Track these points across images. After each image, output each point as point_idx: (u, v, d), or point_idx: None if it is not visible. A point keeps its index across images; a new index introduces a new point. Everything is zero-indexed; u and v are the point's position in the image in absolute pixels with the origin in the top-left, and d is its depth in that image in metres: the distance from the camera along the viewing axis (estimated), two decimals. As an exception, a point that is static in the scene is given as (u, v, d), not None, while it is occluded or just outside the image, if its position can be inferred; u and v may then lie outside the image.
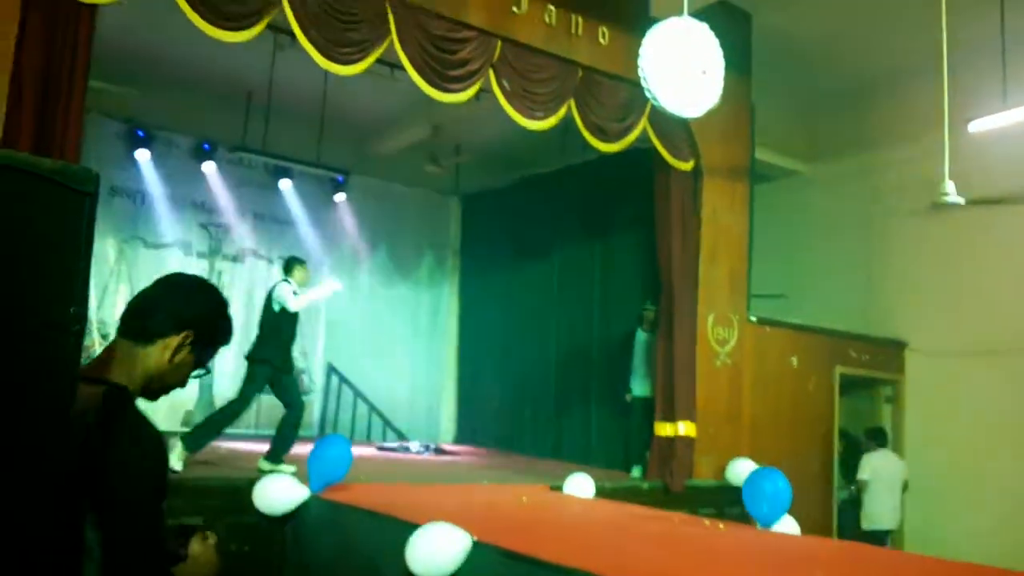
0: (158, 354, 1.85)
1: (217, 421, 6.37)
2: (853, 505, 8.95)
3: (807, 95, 10.27)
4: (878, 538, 8.50)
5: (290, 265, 6.92)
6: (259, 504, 4.93)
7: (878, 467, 8.66)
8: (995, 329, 9.02)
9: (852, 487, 9.02)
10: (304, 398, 11.14)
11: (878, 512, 8.62)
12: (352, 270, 11.60)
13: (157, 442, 1.78)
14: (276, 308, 6.59)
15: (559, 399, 10.31)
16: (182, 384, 1.94)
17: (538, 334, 10.77)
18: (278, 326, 6.55)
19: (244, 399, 6.39)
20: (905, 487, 8.94)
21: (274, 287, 6.76)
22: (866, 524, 8.62)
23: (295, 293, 6.62)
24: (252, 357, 6.47)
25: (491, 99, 6.77)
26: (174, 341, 1.86)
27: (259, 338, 6.58)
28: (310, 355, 11.30)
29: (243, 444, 8.73)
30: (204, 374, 1.98)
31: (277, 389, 6.58)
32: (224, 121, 9.83)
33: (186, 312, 1.89)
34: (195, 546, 1.91)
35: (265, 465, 6.24)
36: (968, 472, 9.05)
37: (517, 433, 10.86)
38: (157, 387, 1.89)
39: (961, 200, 6.93)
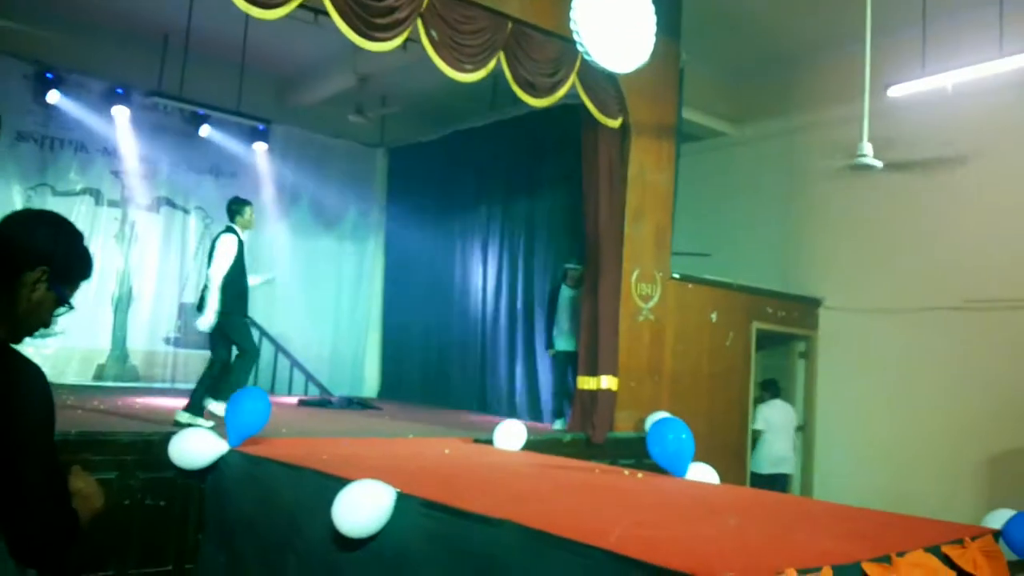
0: (17, 295, 1.80)
1: (236, 381, 6.20)
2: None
3: (734, 59, 10.41)
4: (778, 481, 8.96)
5: (232, 208, 6.61)
6: (175, 458, 4.82)
7: (770, 416, 9.19)
8: (904, 288, 9.41)
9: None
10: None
11: (774, 457, 9.13)
12: (273, 222, 11.34)
13: (41, 379, 1.75)
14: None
15: (484, 354, 10.36)
16: (46, 324, 1.89)
17: (464, 289, 10.77)
18: (231, 276, 6.35)
19: (244, 352, 6.36)
20: (799, 430, 9.67)
21: (215, 240, 6.47)
22: (765, 469, 9.10)
23: (240, 240, 6.43)
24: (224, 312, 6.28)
25: (419, 50, 6.64)
26: (30, 278, 1.80)
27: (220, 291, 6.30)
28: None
29: (158, 399, 8.55)
30: (67, 311, 1.91)
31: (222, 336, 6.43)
32: (139, 65, 9.44)
33: (38, 247, 1.83)
34: (77, 482, 1.88)
35: (183, 417, 6.13)
36: (874, 423, 9.49)
37: (442, 387, 10.89)
38: (22, 329, 1.84)
39: (878, 163, 7.14)
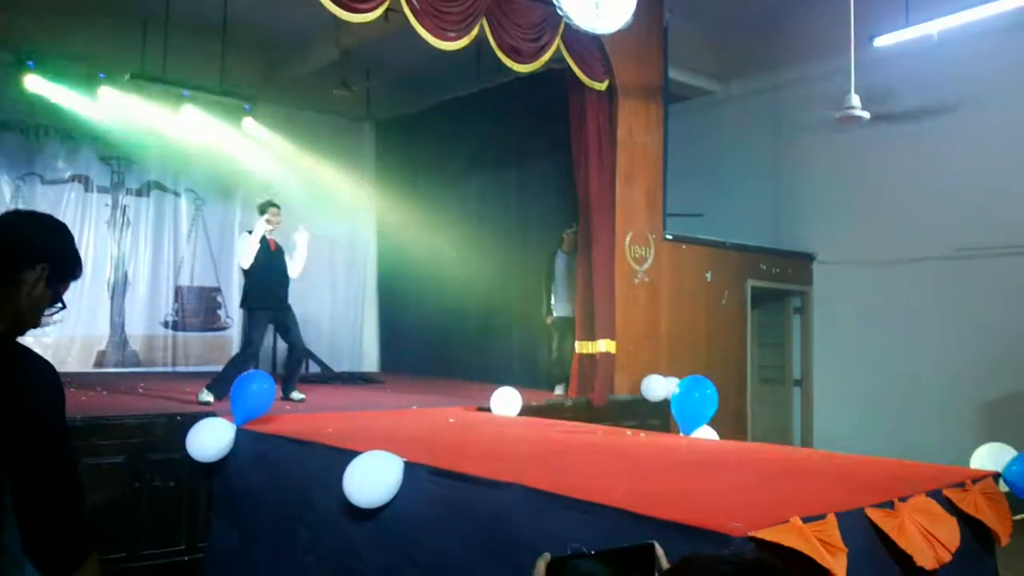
0: (18, 292, 1.81)
1: (232, 373, 6.41)
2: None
3: (718, 16, 10.32)
4: None
5: (260, 210, 7.16)
6: (193, 452, 4.87)
7: None
8: (897, 239, 9.44)
9: None
10: (223, 334, 11.03)
11: None
12: (264, 199, 11.26)
13: (51, 374, 1.75)
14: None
15: (482, 323, 10.38)
16: (38, 323, 1.90)
17: (459, 259, 10.76)
18: (251, 270, 6.90)
19: (245, 343, 6.92)
20: (797, 384, 10.15)
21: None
22: None
23: (263, 237, 6.94)
24: (241, 304, 7.15)
25: (402, 20, 6.58)
26: (31, 276, 1.81)
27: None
28: (226, 291, 11.06)
29: (160, 382, 8.58)
30: (60, 309, 1.93)
31: (280, 330, 7.11)
32: (121, 48, 9.31)
33: (38, 245, 1.85)
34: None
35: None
36: (871, 374, 9.58)
37: (442, 358, 10.92)
38: (22, 324, 1.84)
39: (866, 114, 7.13)
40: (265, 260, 6.95)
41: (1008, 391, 8.48)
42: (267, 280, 6.94)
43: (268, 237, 7.01)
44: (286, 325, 7.09)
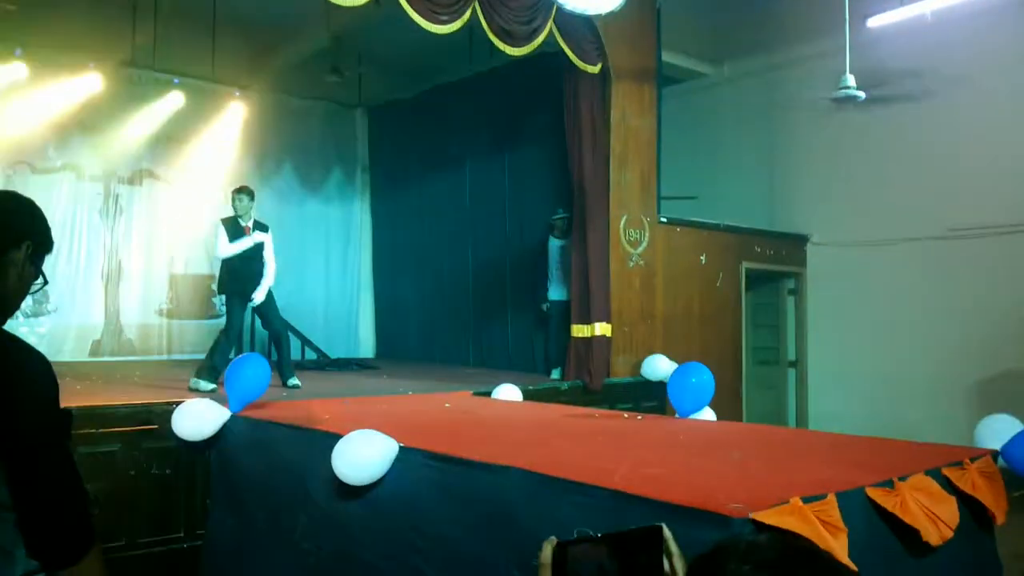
0: (7, 273, 1.76)
1: (219, 360, 6.62)
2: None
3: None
4: None
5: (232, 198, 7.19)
6: (180, 431, 4.85)
7: None
8: (890, 220, 9.45)
9: None
10: (217, 321, 10.98)
11: None
12: (256, 188, 11.19)
13: (43, 364, 1.71)
14: None
15: (477, 308, 10.38)
16: (21, 302, 1.85)
17: (453, 245, 10.74)
18: (228, 260, 6.98)
19: (225, 327, 7.02)
20: (792, 366, 10.19)
21: None
22: None
23: (230, 225, 6.99)
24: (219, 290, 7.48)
25: (393, 3, 6.53)
26: (18, 256, 1.77)
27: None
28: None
29: (156, 370, 8.57)
30: (43, 286, 1.89)
31: (261, 319, 7.51)
32: (111, 36, 9.21)
33: (17, 223, 1.81)
34: None
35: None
36: (866, 354, 9.61)
37: (438, 344, 10.92)
38: (11, 307, 1.80)
39: (861, 94, 7.12)
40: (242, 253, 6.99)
41: (1001, 369, 8.52)
42: (243, 267, 6.97)
43: (244, 224, 7.01)
44: (265, 315, 7.20)
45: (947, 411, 8.52)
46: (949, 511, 2.86)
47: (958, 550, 2.98)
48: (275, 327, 7.28)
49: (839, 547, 2.34)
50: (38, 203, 1.88)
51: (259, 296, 6.97)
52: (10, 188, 8.80)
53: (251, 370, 4.99)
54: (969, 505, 3.16)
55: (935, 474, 3.08)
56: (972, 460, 3.29)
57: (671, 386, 5.16)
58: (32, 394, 1.67)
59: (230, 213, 7.06)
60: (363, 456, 3.57)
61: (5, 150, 9.48)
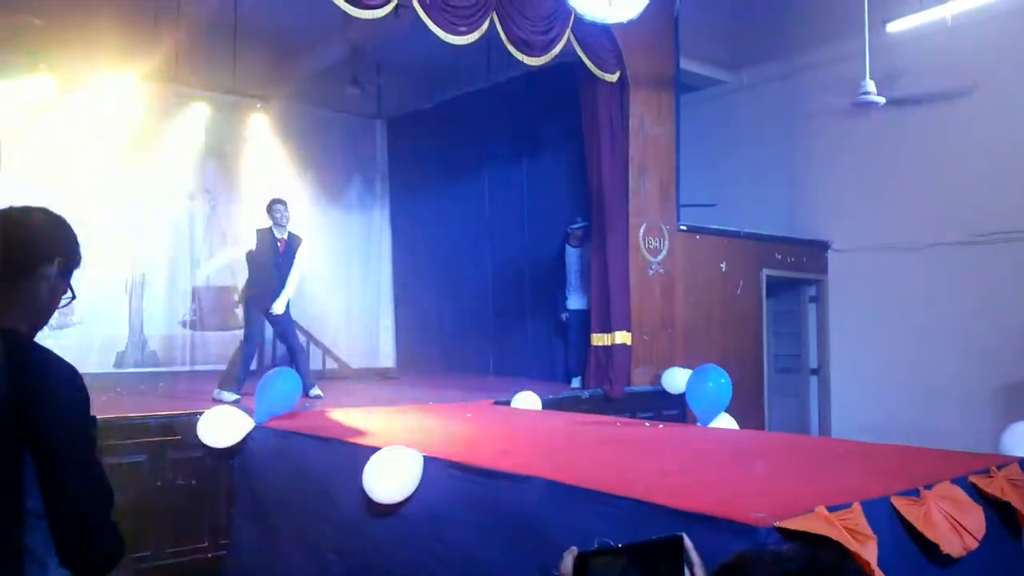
0: (39, 288, 1.80)
1: (242, 370, 6.73)
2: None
3: (729, 3, 10.27)
4: None
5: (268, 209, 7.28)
6: (204, 437, 4.90)
7: None
8: (911, 225, 9.37)
9: None
10: (240, 332, 11.05)
11: None
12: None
13: (76, 377, 1.74)
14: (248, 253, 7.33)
15: (497, 317, 10.39)
16: (51, 316, 1.88)
17: (472, 254, 10.76)
18: (252, 268, 7.16)
19: (245, 337, 7.12)
20: (814, 373, 10.06)
21: None
22: None
23: (266, 237, 7.11)
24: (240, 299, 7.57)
25: (412, 15, 6.58)
26: (50, 270, 1.81)
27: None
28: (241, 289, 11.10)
29: (178, 381, 8.63)
30: (72, 300, 1.93)
31: (277, 334, 7.57)
32: (132, 48, 9.32)
33: (50, 238, 1.85)
34: None
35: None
36: (889, 361, 9.51)
37: (458, 353, 10.92)
38: (42, 321, 1.84)
39: (881, 100, 7.08)
40: (269, 260, 7.00)
41: (1027, 376, 8.42)
42: (265, 279, 6.99)
43: (279, 237, 7.02)
44: (280, 327, 7.15)
45: (972, 418, 8.42)
46: (975, 521, 2.83)
47: (986, 558, 2.95)
48: (289, 341, 7.21)
49: (869, 554, 2.32)
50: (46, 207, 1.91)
51: (278, 307, 6.91)
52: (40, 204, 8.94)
53: (283, 384, 5.04)
54: (998, 513, 3.13)
55: (961, 482, 3.05)
56: (999, 468, 3.26)
57: (689, 389, 5.17)
58: (64, 405, 1.70)
59: (266, 224, 7.14)
60: (394, 476, 3.58)
61: (33, 163, 9.58)
